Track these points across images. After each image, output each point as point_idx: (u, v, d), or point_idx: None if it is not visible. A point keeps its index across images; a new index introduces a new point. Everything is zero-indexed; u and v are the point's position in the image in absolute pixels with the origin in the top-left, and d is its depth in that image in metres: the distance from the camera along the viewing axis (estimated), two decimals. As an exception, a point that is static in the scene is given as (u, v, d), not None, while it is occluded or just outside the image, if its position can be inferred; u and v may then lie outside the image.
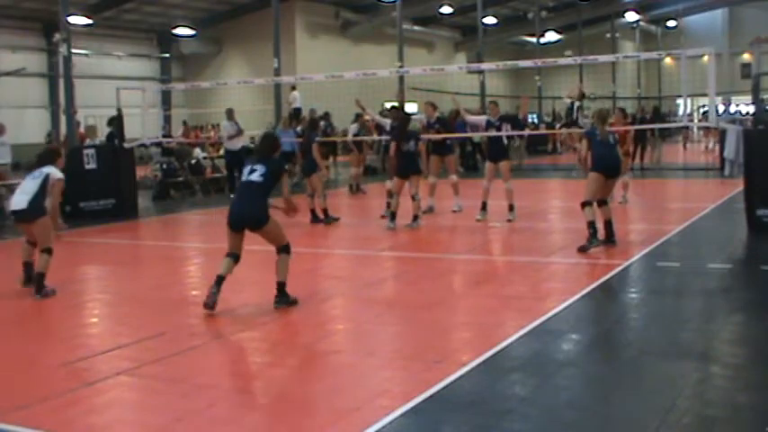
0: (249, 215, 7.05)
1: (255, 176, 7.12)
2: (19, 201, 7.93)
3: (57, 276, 8.27)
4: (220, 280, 6.93)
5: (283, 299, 7.10)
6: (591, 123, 10.43)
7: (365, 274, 8.78)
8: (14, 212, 8.06)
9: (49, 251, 7.94)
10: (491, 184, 12.30)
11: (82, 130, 20.18)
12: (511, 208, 12.16)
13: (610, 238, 9.53)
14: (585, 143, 10.04)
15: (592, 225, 9.25)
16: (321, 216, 12.79)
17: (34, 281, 7.92)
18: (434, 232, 12.00)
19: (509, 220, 11.97)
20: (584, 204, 9.42)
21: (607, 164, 9.63)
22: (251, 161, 7.37)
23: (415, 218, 11.81)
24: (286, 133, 19.26)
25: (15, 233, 12.96)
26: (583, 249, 9.24)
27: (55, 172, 8.10)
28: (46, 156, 8.42)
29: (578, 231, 11.41)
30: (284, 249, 7.17)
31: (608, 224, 9.52)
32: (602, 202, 9.59)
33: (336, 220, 12.87)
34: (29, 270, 8.20)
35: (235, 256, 7.10)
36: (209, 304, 6.85)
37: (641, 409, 4.44)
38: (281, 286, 7.11)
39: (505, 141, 12.39)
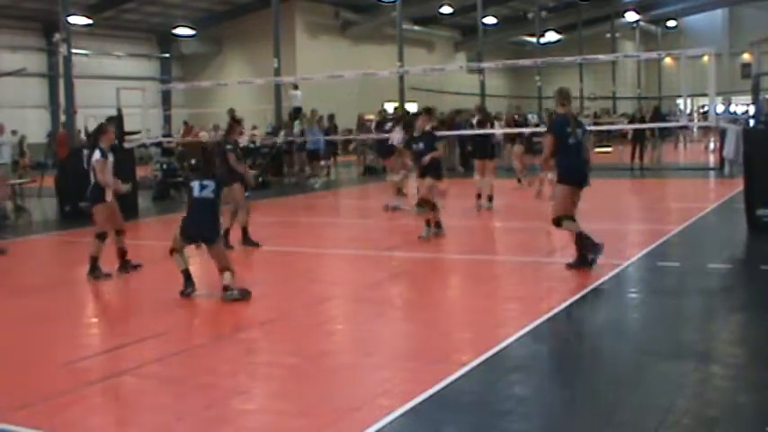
0: (205, 231, 7.55)
1: (207, 192, 7.53)
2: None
3: (57, 276, 8.28)
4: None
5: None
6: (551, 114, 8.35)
7: (365, 275, 8.77)
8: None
9: (99, 236, 8.51)
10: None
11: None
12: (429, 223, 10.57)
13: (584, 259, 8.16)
14: (549, 141, 8.16)
15: (585, 237, 8.03)
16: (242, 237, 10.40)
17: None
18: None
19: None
20: (560, 220, 8.09)
21: (581, 174, 8.16)
22: (197, 177, 7.69)
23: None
24: (311, 131, 19.27)
25: (15, 233, 12.98)
26: (590, 264, 8.02)
27: (95, 155, 8.57)
28: (91, 139, 9.02)
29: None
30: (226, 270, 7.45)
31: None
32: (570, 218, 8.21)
33: (256, 244, 10.33)
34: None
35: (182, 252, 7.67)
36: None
37: (641, 409, 4.44)
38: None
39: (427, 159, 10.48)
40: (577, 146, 8.12)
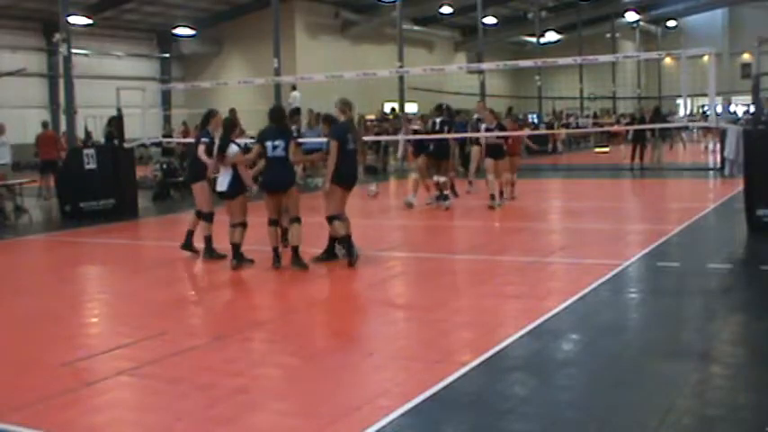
0: (280, 184, 8.58)
1: (279, 151, 8.44)
2: (221, 182, 8.93)
3: (57, 276, 8.28)
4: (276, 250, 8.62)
5: (299, 261, 8.50)
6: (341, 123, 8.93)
7: (365, 274, 8.77)
8: (218, 193, 9.07)
9: (241, 225, 8.88)
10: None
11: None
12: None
13: (351, 255, 8.84)
14: (334, 148, 8.64)
15: (348, 239, 8.79)
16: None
17: (232, 251, 8.91)
18: (434, 232, 12.01)
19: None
20: (332, 219, 8.77)
21: (354, 178, 9.00)
22: (268, 138, 8.53)
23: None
24: (311, 132, 19.20)
25: (15, 233, 12.97)
26: (320, 258, 8.95)
27: (230, 149, 8.82)
28: (225, 132, 9.03)
29: (579, 231, 11.42)
30: (296, 220, 8.61)
31: (348, 239, 8.88)
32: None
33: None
34: (208, 243, 9.45)
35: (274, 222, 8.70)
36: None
37: (641, 409, 4.44)
38: (295, 250, 8.55)
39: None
40: (354, 151, 8.91)
